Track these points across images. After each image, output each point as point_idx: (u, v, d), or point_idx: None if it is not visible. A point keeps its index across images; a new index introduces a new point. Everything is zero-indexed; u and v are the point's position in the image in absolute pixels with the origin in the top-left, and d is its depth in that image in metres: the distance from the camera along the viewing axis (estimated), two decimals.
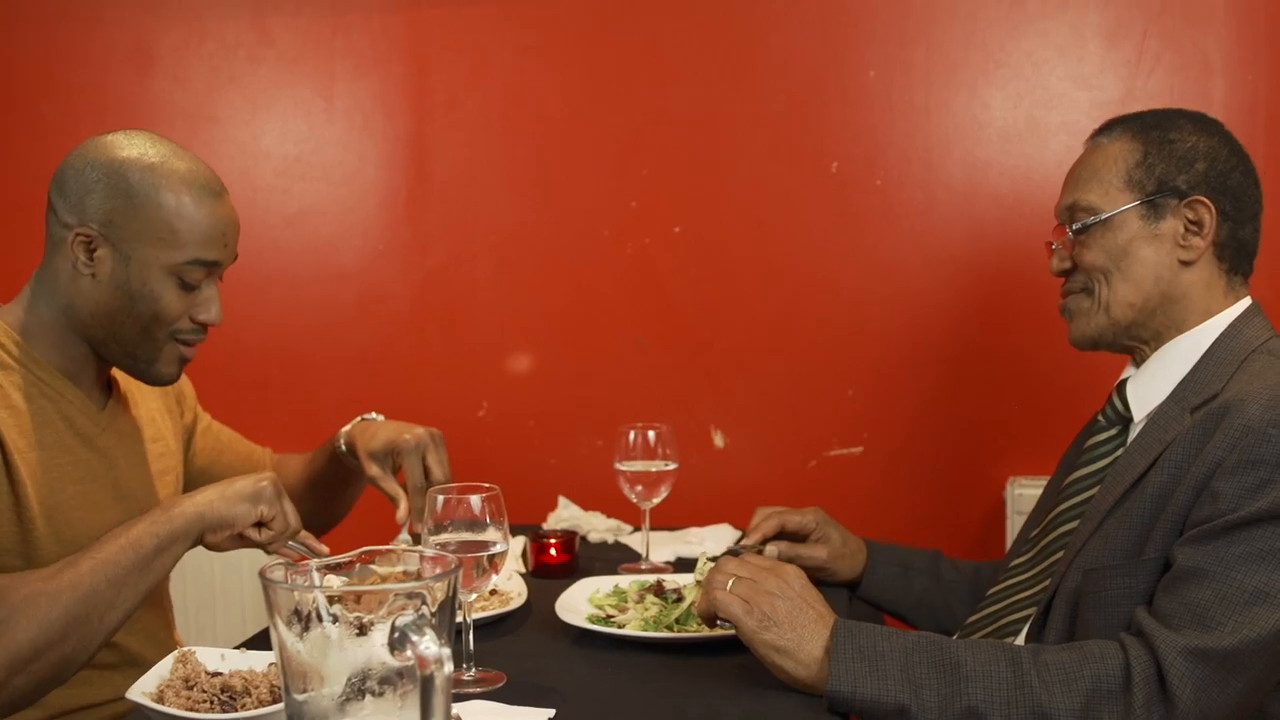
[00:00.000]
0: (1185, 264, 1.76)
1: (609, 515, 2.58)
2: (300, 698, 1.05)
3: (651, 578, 2.06)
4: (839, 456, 2.83)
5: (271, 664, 1.54)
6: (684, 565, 2.27)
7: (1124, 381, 1.85)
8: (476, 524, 1.66)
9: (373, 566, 1.24)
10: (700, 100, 2.84)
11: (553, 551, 2.23)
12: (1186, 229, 1.76)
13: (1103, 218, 1.79)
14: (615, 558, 2.36)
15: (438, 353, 3.00)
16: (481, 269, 2.97)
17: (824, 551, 2.15)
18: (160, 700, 1.45)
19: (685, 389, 2.88)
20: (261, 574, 1.09)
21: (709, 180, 2.85)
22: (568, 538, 2.26)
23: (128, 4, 3.07)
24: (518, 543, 2.33)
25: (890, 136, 2.77)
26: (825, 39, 2.78)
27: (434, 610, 1.07)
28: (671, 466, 2.24)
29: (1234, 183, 1.77)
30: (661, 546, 2.37)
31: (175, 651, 1.57)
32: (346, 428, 2.12)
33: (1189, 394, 1.70)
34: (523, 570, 2.25)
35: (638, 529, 2.53)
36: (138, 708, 1.46)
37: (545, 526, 2.52)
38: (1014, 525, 2.67)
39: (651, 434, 2.24)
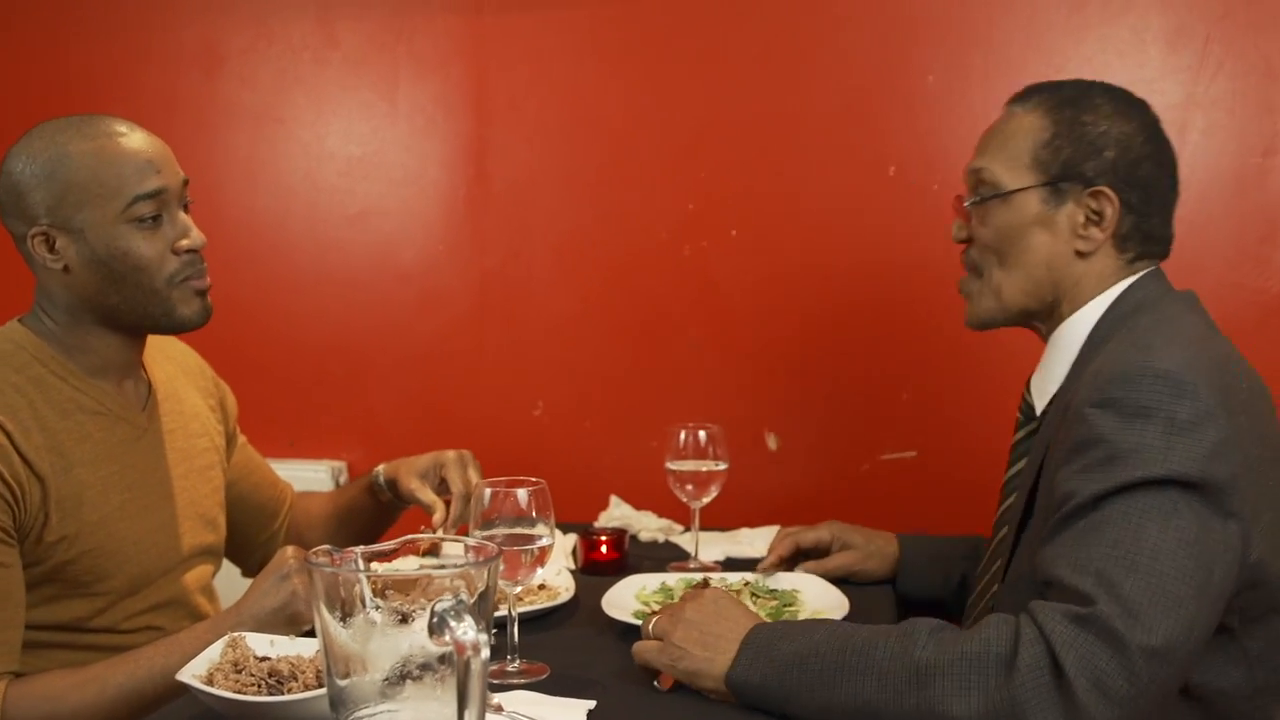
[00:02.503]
0: (1081, 254, 1.70)
1: (660, 515, 2.59)
2: (343, 683, 1.08)
3: (699, 576, 2.07)
4: (893, 461, 2.82)
5: (319, 650, 1.57)
6: (733, 565, 2.29)
7: (1031, 376, 1.81)
8: (523, 519, 1.68)
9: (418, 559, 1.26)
10: (758, 103, 2.84)
11: (603, 549, 2.26)
12: (1087, 219, 1.69)
13: (1002, 193, 1.72)
14: (665, 556, 2.37)
15: (495, 352, 3.03)
16: (539, 269, 3.00)
17: (848, 558, 2.14)
18: (209, 683, 1.49)
19: (739, 391, 2.89)
20: (306, 560, 1.12)
21: (766, 183, 2.86)
22: (618, 535, 2.28)
23: (196, 6, 3.13)
24: (569, 540, 2.36)
25: (948, 141, 2.76)
26: (884, 42, 2.78)
27: (473, 598, 1.09)
28: (722, 467, 2.25)
29: (1144, 173, 1.68)
30: (711, 546, 2.38)
31: (226, 636, 1.61)
32: (384, 464, 2.17)
33: (1074, 387, 1.61)
34: (573, 567, 2.27)
35: (688, 529, 2.54)
36: (188, 690, 1.49)
37: (597, 525, 2.54)
38: None
39: (702, 434, 2.26)
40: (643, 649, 1.61)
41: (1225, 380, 1.49)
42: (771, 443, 2.86)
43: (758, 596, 1.96)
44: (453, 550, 1.27)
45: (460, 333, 3.04)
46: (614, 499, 2.62)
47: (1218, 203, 2.64)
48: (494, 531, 1.68)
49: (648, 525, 2.54)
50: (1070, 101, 1.72)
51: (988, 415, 2.76)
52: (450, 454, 2.09)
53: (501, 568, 1.93)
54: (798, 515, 2.60)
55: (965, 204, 1.78)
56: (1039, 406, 1.75)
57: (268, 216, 3.13)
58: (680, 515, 2.53)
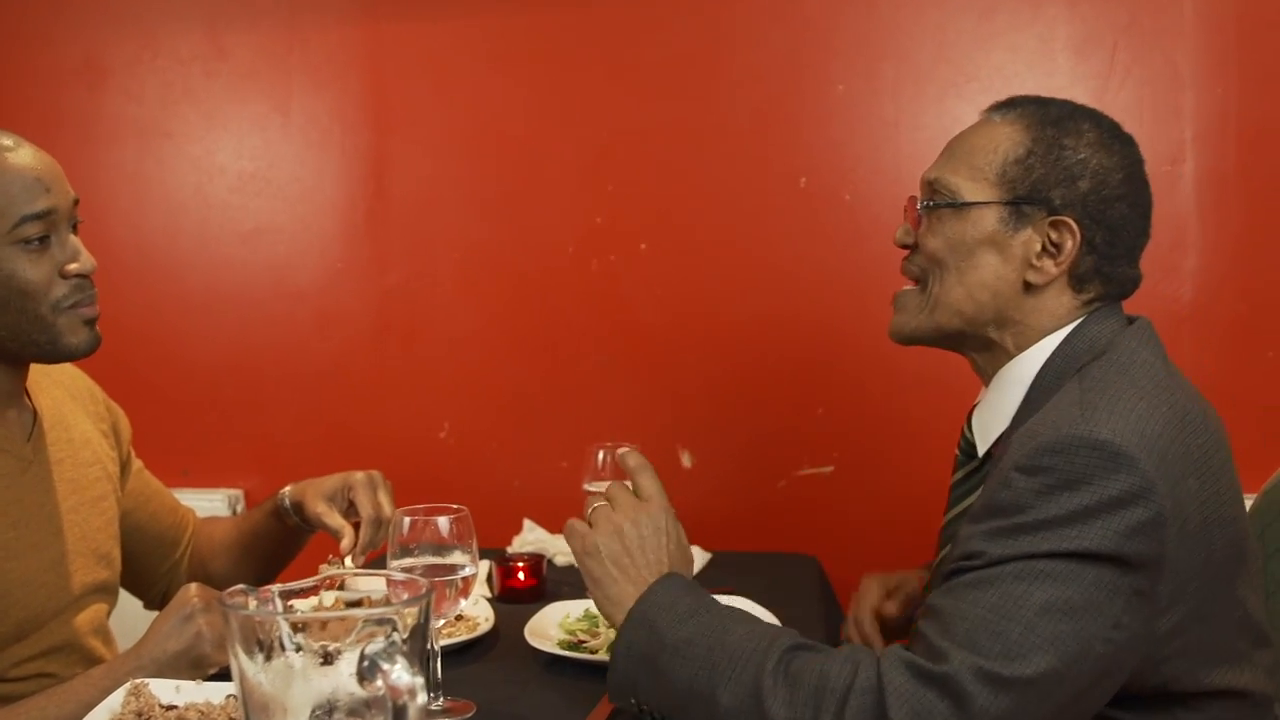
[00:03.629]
0: (1029, 286, 1.56)
1: None
2: None
3: None
4: (810, 476, 2.78)
5: (230, 696, 1.47)
6: None
7: (973, 409, 1.68)
8: (444, 547, 1.60)
9: (336, 593, 1.18)
10: (666, 114, 2.79)
11: (520, 575, 2.17)
12: (1044, 248, 1.55)
13: (958, 203, 1.58)
14: (583, 581, 2.29)
15: (397, 372, 2.93)
16: (442, 286, 2.91)
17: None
18: None
19: (651, 408, 2.83)
20: (220, 601, 1.03)
21: (675, 195, 2.80)
22: (535, 561, 2.20)
23: (77, 18, 3.00)
24: (482, 566, 2.27)
25: (859, 151, 2.73)
26: (793, 53, 2.74)
27: (405, 637, 1.01)
28: None
29: (1115, 214, 1.55)
30: None
31: (127, 683, 1.50)
32: (289, 486, 2.05)
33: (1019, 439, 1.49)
34: (489, 595, 2.18)
35: None
36: None
37: (510, 550, 2.46)
38: None
39: (620, 453, 2.18)
40: (572, 528, 1.60)
41: (1177, 441, 1.40)
42: (686, 460, 2.80)
43: None
44: (370, 584, 1.18)
45: (361, 353, 2.94)
46: (527, 522, 2.54)
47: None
48: (412, 561, 1.59)
49: (563, 549, 2.45)
50: (1055, 121, 1.58)
51: (905, 428, 2.73)
52: (359, 475, 1.97)
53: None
54: (714, 534, 2.55)
55: (918, 207, 1.65)
56: (981, 447, 1.64)
57: (157, 234, 3.00)
58: None
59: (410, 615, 1.02)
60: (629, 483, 1.63)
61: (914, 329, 1.67)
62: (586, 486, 2.18)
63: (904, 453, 2.74)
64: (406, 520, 1.59)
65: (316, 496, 1.97)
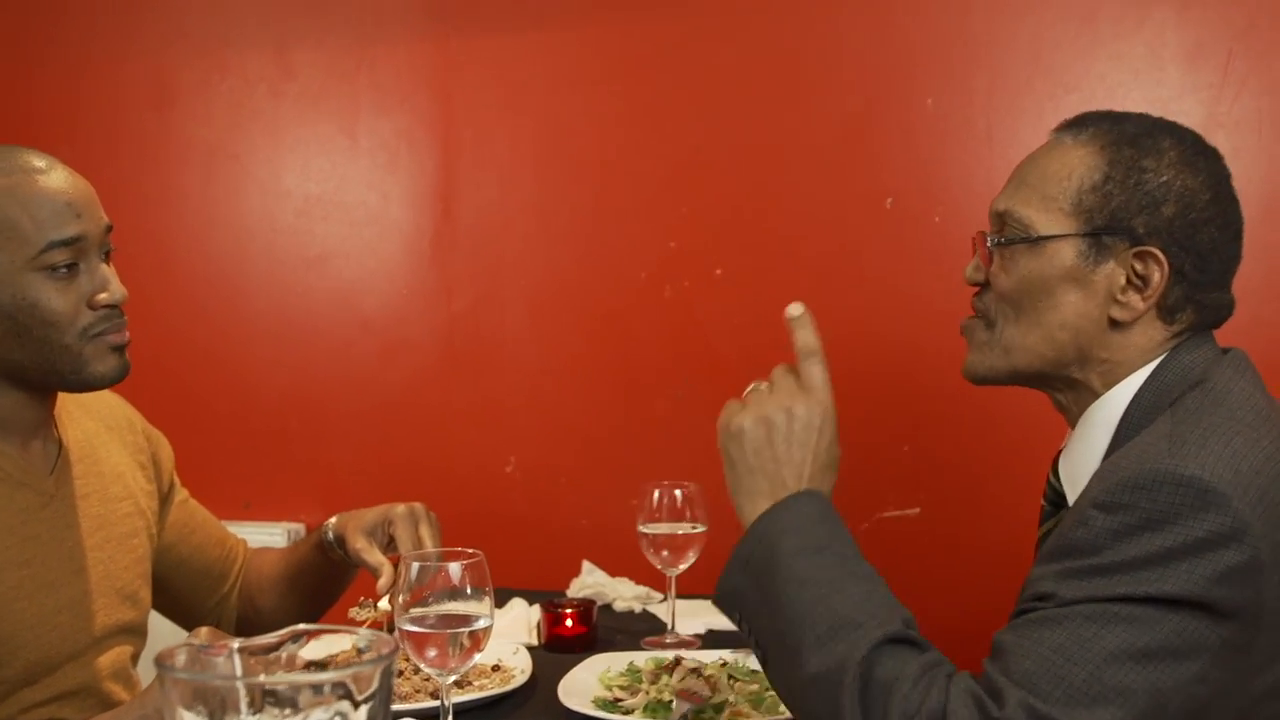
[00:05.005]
0: (1115, 323, 1.43)
1: (637, 581, 2.37)
2: None
3: (671, 654, 1.85)
4: (895, 519, 2.60)
5: None
6: (715, 639, 2.06)
7: (1059, 455, 1.55)
8: (458, 594, 1.46)
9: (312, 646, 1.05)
10: (743, 133, 2.64)
11: (568, 623, 2.03)
12: (1129, 282, 1.42)
13: (1032, 238, 1.45)
14: (640, 629, 2.15)
15: (464, 403, 2.81)
16: (510, 314, 2.79)
17: None
18: None
19: None
20: (158, 661, 0.91)
21: (753, 218, 2.65)
22: (585, 607, 2.06)
23: (147, 40, 2.95)
24: (533, 612, 2.14)
25: (950, 169, 2.55)
26: (879, 65, 2.58)
27: (362, 699, 0.89)
28: (700, 529, 2.04)
29: (1204, 238, 1.41)
30: (691, 618, 2.15)
31: None
32: (334, 518, 1.94)
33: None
34: (535, 643, 2.05)
35: (667, 597, 2.32)
36: None
37: (569, 593, 2.32)
38: None
39: (678, 493, 2.05)
40: (726, 406, 1.51)
41: (1279, 480, 1.25)
42: None
43: (736, 679, 1.73)
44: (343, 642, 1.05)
45: (427, 384, 2.84)
46: (586, 565, 2.39)
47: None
48: (425, 610, 1.46)
49: (623, 593, 2.31)
50: (1132, 141, 1.44)
51: (996, 469, 2.55)
52: (400, 508, 1.85)
53: (409, 665, 1.73)
54: None
55: (988, 243, 1.51)
56: (1071, 495, 1.48)
57: (222, 259, 2.94)
58: (660, 581, 2.31)
59: (365, 679, 0.89)
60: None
61: (988, 370, 1.54)
62: (641, 528, 2.05)
63: (996, 494, 2.55)
64: (416, 566, 1.46)
65: (356, 531, 1.86)
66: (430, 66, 2.80)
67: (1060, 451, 1.54)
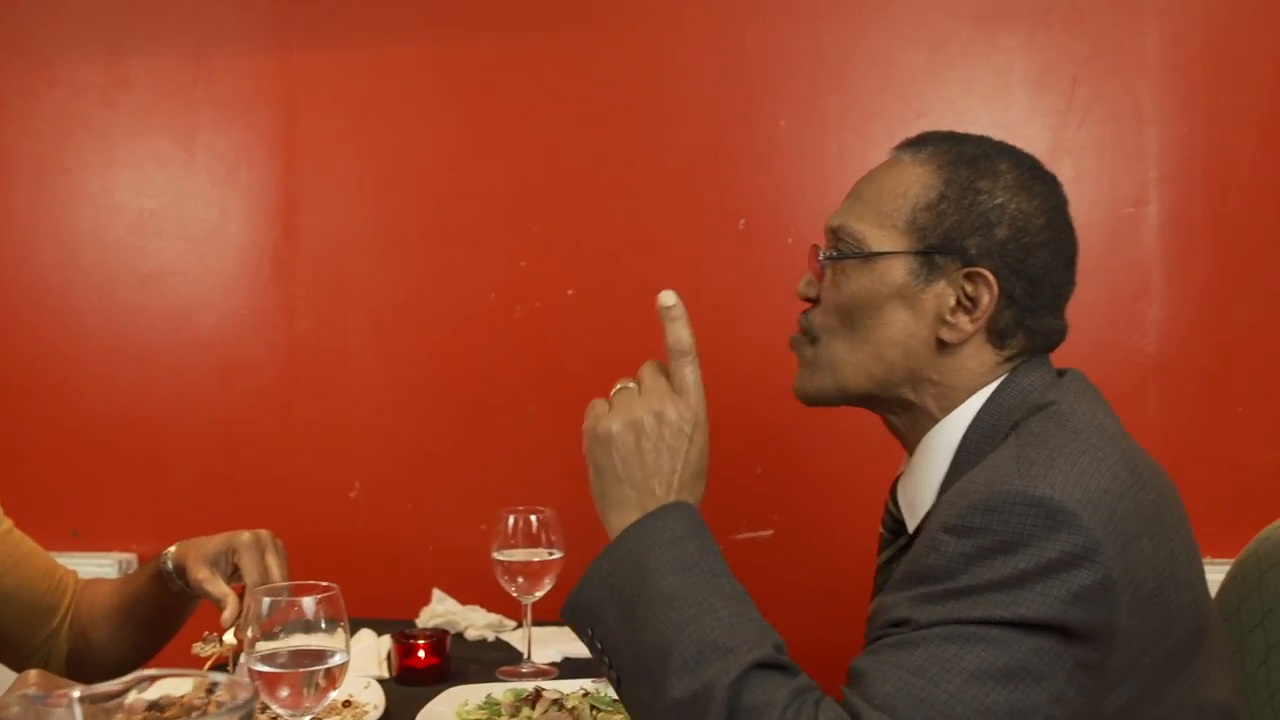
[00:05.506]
0: (943, 344, 1.41)
1: (489, 609, 2.30)
2: None
3: (530, 685, 1.80)
4: (747, 540, 2.57)
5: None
6: (570, 668, 2.01)
7: (897, 480, 1.52)
8: (311, 628, 1.39)
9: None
10: (594, 152, 2.61)
11: (420, 654, 1.96)
12: (958, 302, 1.40)
13: (864, 254, 1.43)
14: (494, 658, 2.09)
15: (306, 426, 2.72)
16: (354, 335, 2.70)
17: None
18: None
19: (578, 468, 2.61)
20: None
21: (604, 239, 2.62)
22: (438, 637, 1.99)
23: None
24: (383, 643, 2.06)
25: (803, 191, 2.55)
26: (731, 87, 2.56)
27: None
28: (557, 555, 1.99)
29: (1036, 262, 1.40)
30: (546, 646, 2.10)
31: None
32: (173, 547, 1.83)
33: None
34: (385, 676, 1.97)
35: (521, 624, 2.26)
36: None
37: (419, 623, 2.25)
38: None
39: (534, 518, 2.00)
40: (591, 407, 1.40)
41: (1128, 497, 1.23)
42: None
43: (599, 710, 1.68)
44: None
45: (267, 406, 2.73)
46: (437, 593, 2.32)
47: (1089, 256, 2.40)
48: (275, 646, 1.38)
49: (474, 622, 2.25)
50: (969, 161, 1.43)
51: (850, 490, 2.54)
52: (244, 536, 1.75)
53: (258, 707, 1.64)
54: None
55: (820, 258, 1.48)
56: (911, 522, 1.46)
57: (50, 275, 2.80)
58: (513, 608, 2.25)
59: None
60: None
61: (817, 390, 1.50)
62: (496, 555, 1.99)
63: (850, 515, 2.53)
64: (267, 602, 1.38)
65: (198, 560, 1.76)
66: (271, 80, 2.71)
67: (898, 478, 1.52)
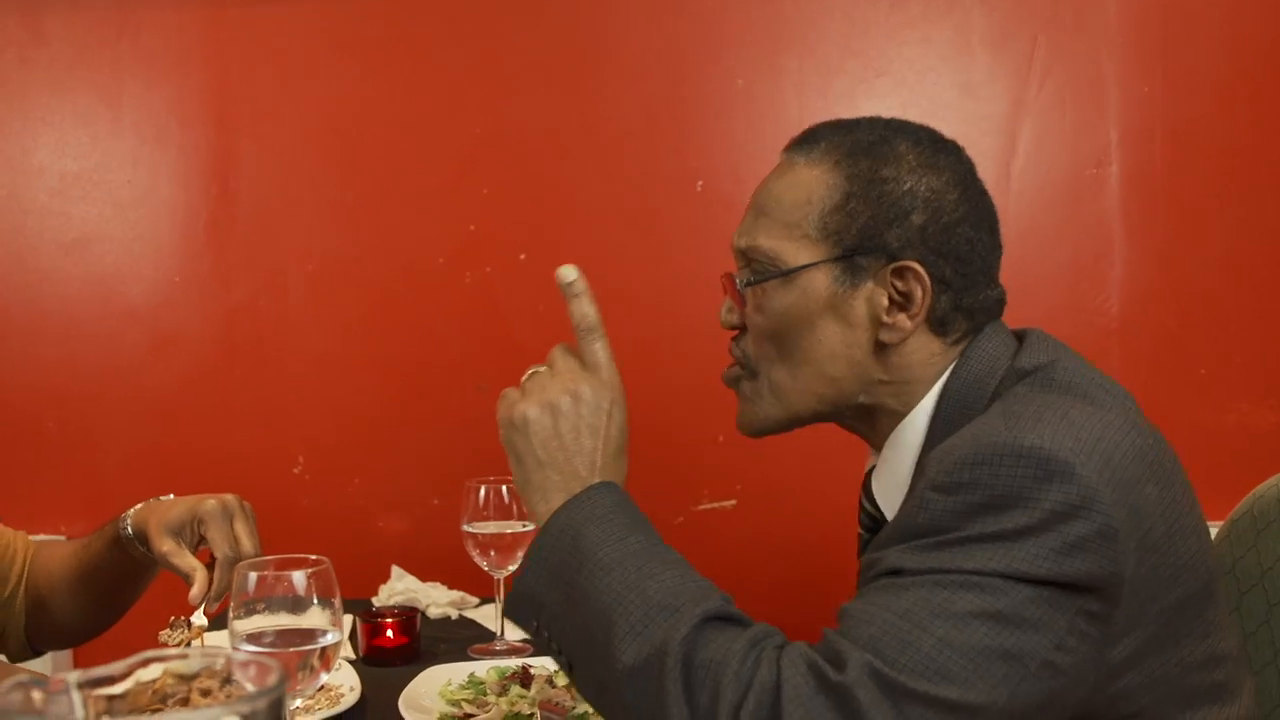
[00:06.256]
0: (885, 346, 1.34)
1: (450, 586, 2.22)
2: None
3: (512, 663, 1.72)
4: (710, 511, 2.52)
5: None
6: None
7: (869, 475, 1.46)
8: (300, 606, 1.30)
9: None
10: (546, 110, 2.52)
11: (389, 633, 1.87)
12: (891, 300, 1.33)
13: (783, 271, 1.34)
14: (462, 636, 2.02)
15: (244, 399, 2.59)
16: (295, 303, 2.59)
17: None
18: None
19: None
20: None
21: (557, 201, 2.53)
22: (407, 616, 1.90)
23: None
24: (345, 622, 1.97)
25: (762, 152, 2.48)
26: (688, 44, 2.49)
27: None
28: (530, 527, 1.90)
29: (960, 239, 1.34)
30: None
31: None
32: (134, 509, 1.72)
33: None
34: (352, 657, 1.88)
35: (486, 601, 2.19)
36: None
37: (377, 602, 2.15)
38: None
39: (505, 490, 1.92)
40: (504, 395, 1.37)
41: (1125, 443, 1.18)
42: None
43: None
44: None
45: (203, 379, 2.61)
46: (396, 570, 2.23)
47: (1050, 217, 2.44)
48: (259, 625, 1.29)
49: (436, 599, 2.16)
50: (866, 150, 1.35)
51: (812, 458, 2.49)
52: (210, 503, 1.64)
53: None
54: None
55: (738, 284, 1.40)
56: (891, 514, 1.39)
57: None
58: (474, 584, 2.17)
59: (259, 713, 0.75)
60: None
61: (764, 422, 1.45)
62: (466, 528, 1.91)
63: (813, 484, 2.50)
64: (253, 576, 1.29)
65: (161, 531, 1.64)
66: (202, 34, 2.57)
67: (869, 473, 1.46)
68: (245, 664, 0.84)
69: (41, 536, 2.49)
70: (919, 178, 1.33)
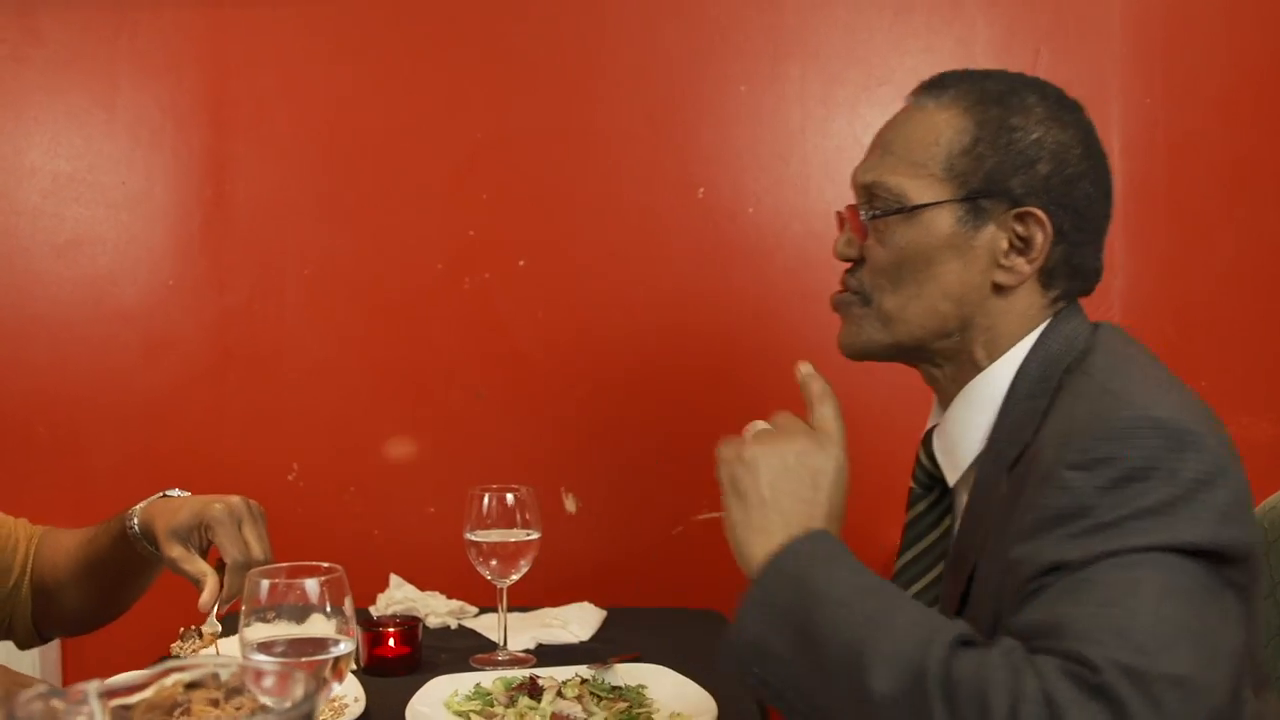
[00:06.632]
0: (999, 288, 1.39)
1: (449, 595, 2.20)
2: None
3: (517, 673, 1.70)
4: (709, 521, 2.49)
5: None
6: (548, 655, 1.92)
7: (930, 433, 1.50)
8: (313, 614, 1.28)
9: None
10: (547, 115, 2.50)
11: (391, 643, 1.85)
12: (1010, 245, 1.38)
13: (907, 208, 1.39)
14: (462, 646, 2.00)
15: (238, 406, 2.56)
16: (290, 308, 2.56)
17: None
18: None
19: (530, 446, 2.52)
20: (10, 713, 0.73)
21: (558, 207, 2.51)
22: (409, 625, 1.88)
23: None
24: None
25: (763, 159, 2.48)
26: (690, 49, 2.48)
27: None
28: (534, 536, 1.90)
29: (1080, 194, 1.39)
30: (518, 633, 2.00)
31: None
32: (141, 505, 1.68)
33: (1003, 445, 1.35)
34: (353, 666, 1.85)
35: (484, 610, 2.16)
36: None
37: (375, 611, 2.13)
38: None
39: (510, 497, 1.91)
40: (728, 441, 1.38)
41: (1216, 423, 1.23)
42: (569, 504, 2.49)
43: (600, 697, 1.60)
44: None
45: (196, 384, 2.57)
46: (394, 578, 2.21)
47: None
48: (270, 634, 1.26)
49: (435, 609, 2.14)
50: (997, 99, 1.40)
51: None
52: (217, 508, 1.60)
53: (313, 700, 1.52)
54: (604, 587, 2.29)
55: (861, 217, 1.44)
56: (952, 474, 1.44)
57: None
58: (474, 594, 2.15)
59: None
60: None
61: (866, 344, 1.47)
62: (469, 536, 1.89)
63: None
64: (265, 584, 1.26)
65: (169, 536, 1.61)
66: (200, 33, 2.54)
67: (931, 430, 1.49)
68: (260, 674, 0.82)
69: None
70: (1046, 129, 1.38)
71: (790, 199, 2.48)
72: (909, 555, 1.52)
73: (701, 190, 2.49)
